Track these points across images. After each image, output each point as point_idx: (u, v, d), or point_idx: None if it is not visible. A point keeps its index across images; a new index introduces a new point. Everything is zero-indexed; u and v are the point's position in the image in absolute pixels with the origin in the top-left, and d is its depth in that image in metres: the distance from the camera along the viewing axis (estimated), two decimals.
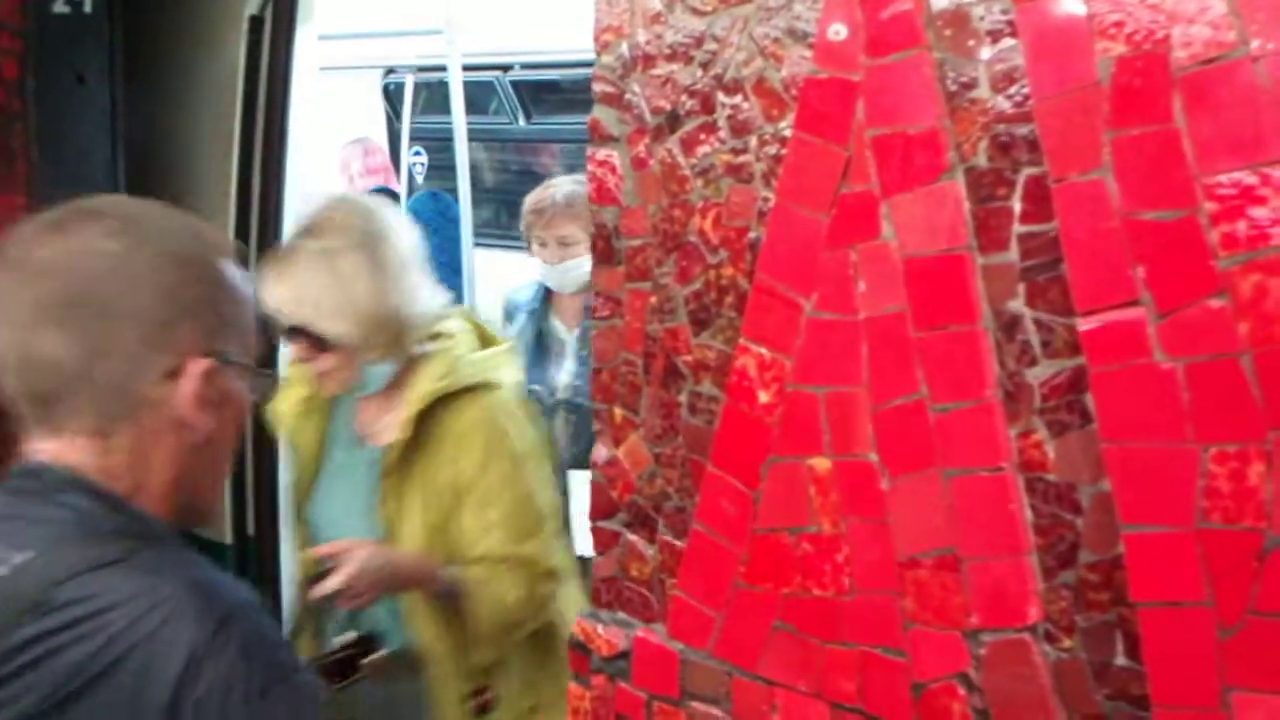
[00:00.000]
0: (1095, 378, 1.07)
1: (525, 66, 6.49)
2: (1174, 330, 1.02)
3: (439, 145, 6.36)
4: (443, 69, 5.27)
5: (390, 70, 7.06)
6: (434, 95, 6.73)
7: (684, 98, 1.32)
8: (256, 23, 3.40)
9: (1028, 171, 1.09)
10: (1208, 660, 1.04)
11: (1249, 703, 1.02)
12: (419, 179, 7.10)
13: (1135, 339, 1.04)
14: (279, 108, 3.46)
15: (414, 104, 6.84)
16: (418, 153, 7.09)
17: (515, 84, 6.67)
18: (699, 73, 1.31)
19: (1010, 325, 1.12)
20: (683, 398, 1.36)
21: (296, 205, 3.49)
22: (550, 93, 6.70)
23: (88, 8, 3.18)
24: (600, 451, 1.45)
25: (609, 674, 1.45)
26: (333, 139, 6.21)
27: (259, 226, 3.50)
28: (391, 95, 7.20)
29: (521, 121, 6.85)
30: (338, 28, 4.68)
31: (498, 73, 6.65)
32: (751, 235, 1.28)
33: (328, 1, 3.63)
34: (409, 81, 6.83)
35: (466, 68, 5.01)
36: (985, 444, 1.14)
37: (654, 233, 1.36)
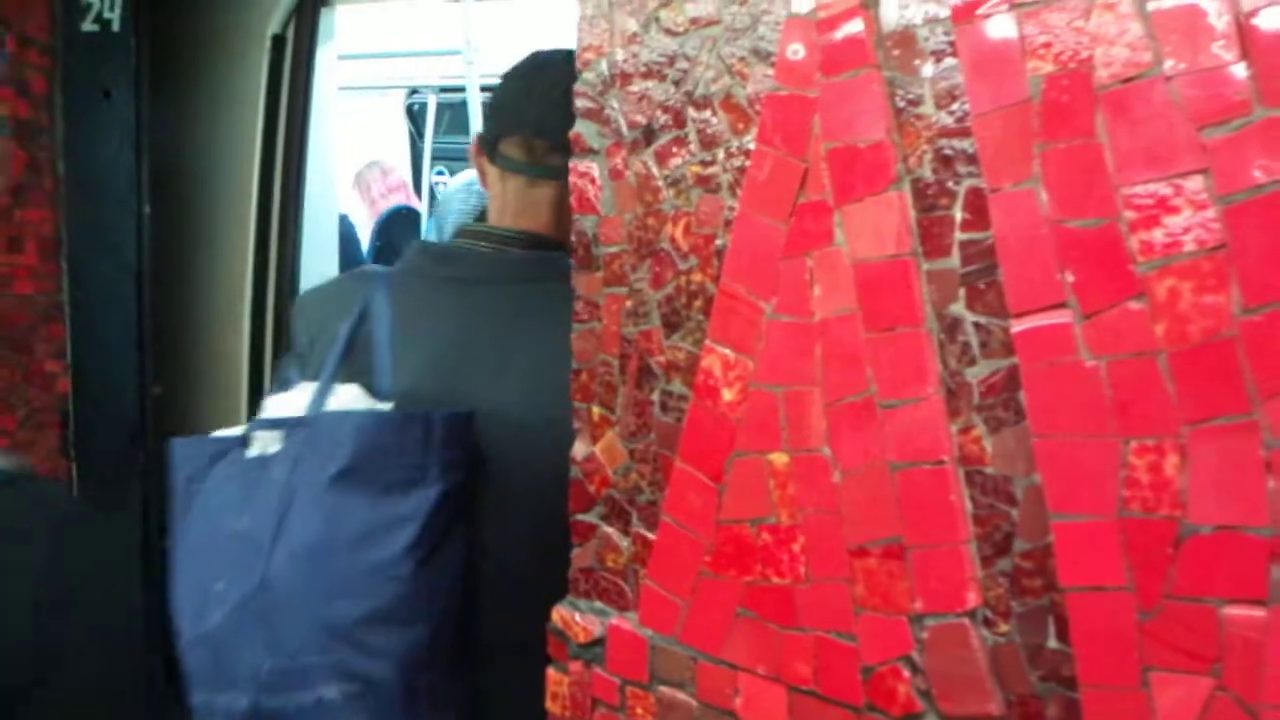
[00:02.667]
0: (1027, 376, 1.14)
1: None
2: (1097, 331, 1.09)
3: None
4: (464, 89, 5.38)
5: (414, 90, 7.19)
6: (457, 115, 6.85)
7: (658, 113, 1.40)
8: (279, 42, 3.50)
9: (968, 183, 1.17)
10: (1129, 642, 1.10)
11: (1167, 682, 1.09)
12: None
13: (1062, 339, 1.11)
14: (299, 125, 3.55)
15: (436, 123, 6.96)
16: (440, 172, 7.21)
17: None
18: (672, 89, 1.39)
19: (952, 327, 1.19)
20: (655, 396, 1.44)
21: (315, 220, 3.59)
22: None
23: (116, 26, 3.28)
24: (579, 448, 1.52)
25: (585, 660, 1.52)
26: (357, 157, 6.32)
27: (278, 242, 3.58)
28: (415, 115, 7.32)
29: None
30: (360, 48, 4.80)
31: None
32: (718, 242, 1.36)
33: (350, 22, 3.72)
34: (431, 102, 6.95)
35: (487, 88, 5.11)
36: (928, 439, 1.21)
37: (629, 240, 1.44)
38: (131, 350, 3.38)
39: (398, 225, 6.47)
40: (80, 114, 3.24)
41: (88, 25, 3.26)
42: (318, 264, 3.67)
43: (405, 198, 6.63)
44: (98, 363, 3.38)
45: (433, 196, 7.08)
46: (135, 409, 3.41)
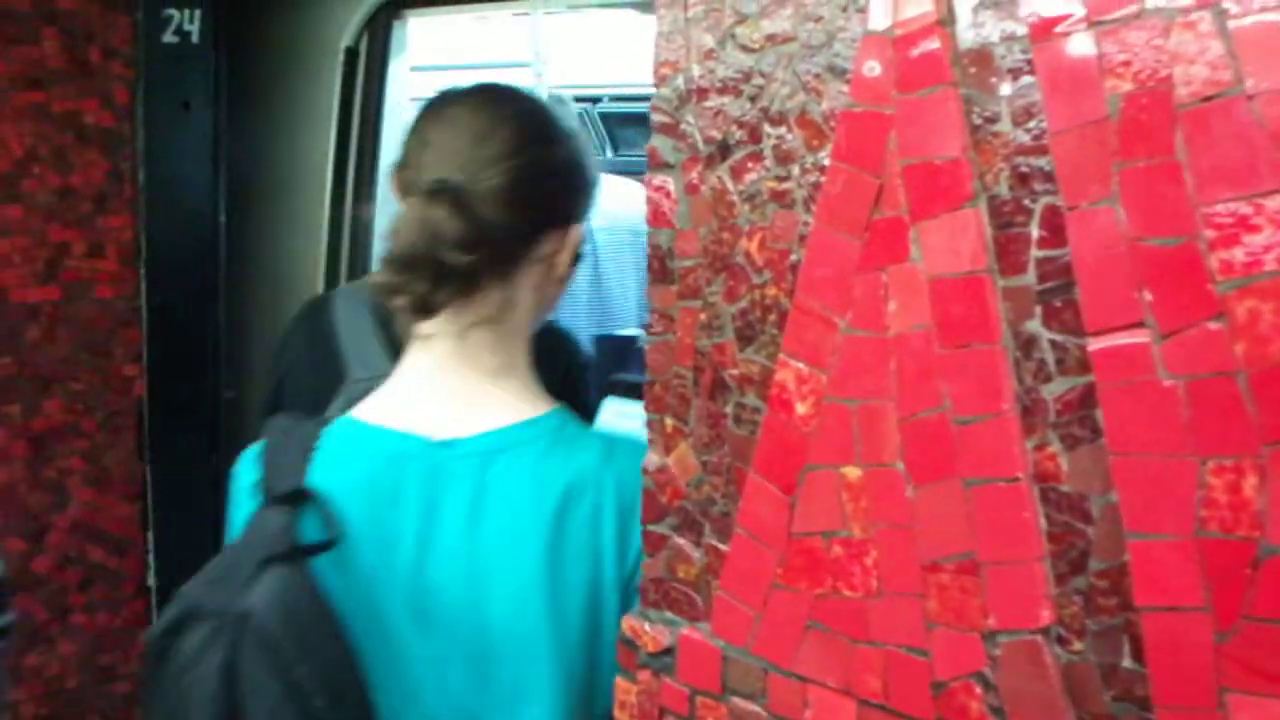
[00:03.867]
0: (1104, 394, 1.14)
1: (614, 99, 6.63)
2: (1176, 350, 1.09)
3: None
4: None
5: None
6: None
7: (734, 128, 1.42)
8: (352, 54, 3.55)
9: (1045, 200, 1.17)
10: (1205, 663, 1.10)
11: (1244, 704, 1.08)
12: None
13: (1140, 358, 1.11)
14: (372, 136, 3.59)
15: None
16: None
17: (604, 116, 6.82)
18: (748, 105, 1.40)
19: (1028, 344, 1.19)
20: (728, 409, 1.45)
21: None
22: (637, 125, 6.84)
23: (195, 38, 3.35)
24: (651, 459, 1.54)
25: (654, 669, 1.54)
26: None
27: (349, 251, 3.63)
28: None
29: (608, 153, 7.00)
30: (431, 60, 4.85)
31: (586, 104, 6.82)
32: (793, 257, 1.37)
33: (421, 34, 3.76)
34: None
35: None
36: (1003, 455, 1.21)
37: (704, 254, 1.46)
38: (206, 355, 3.45)
39: None
40: (160, 124, 3.31)
41: (168, 37, 3.32)
42: None
43: None
44: (173, 367, 3.44)
45: None
46: (209, 413, 3.47)
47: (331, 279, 3.60)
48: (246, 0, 3.51)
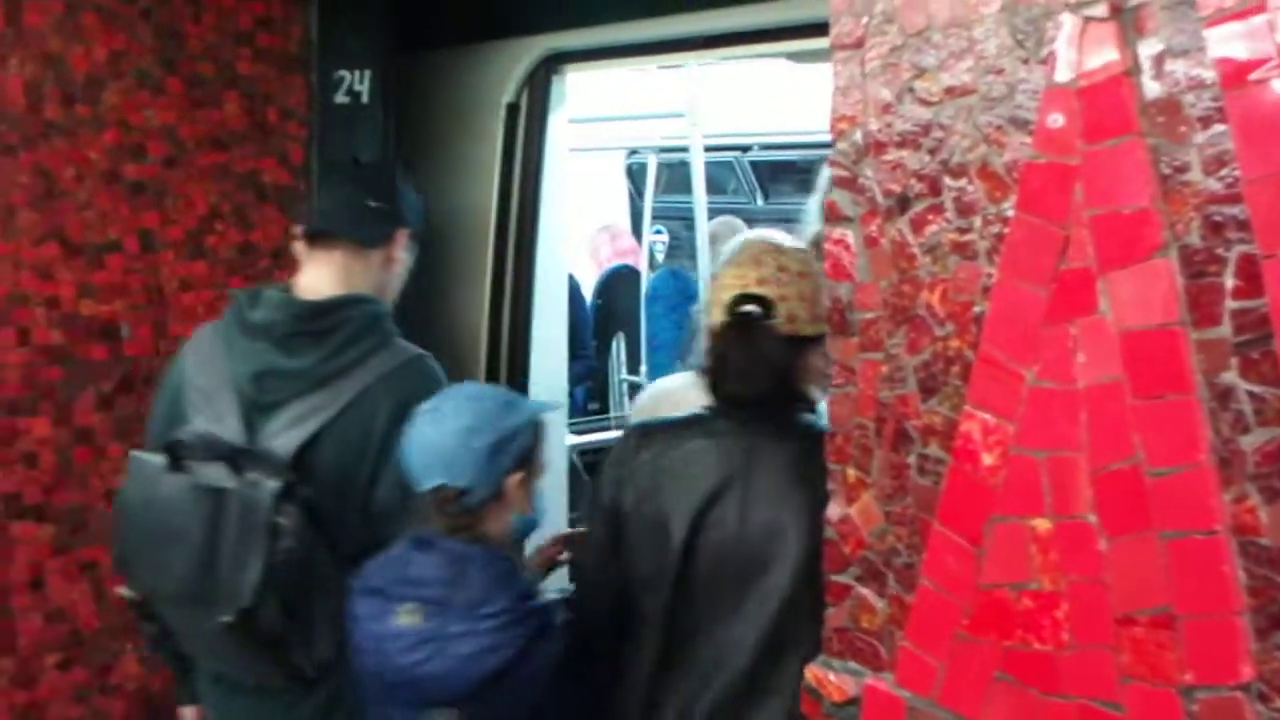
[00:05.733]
0: None
1: (764, 148, 6.66)
2: None
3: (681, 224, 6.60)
4: (683, 150, 5.48)
5: (633, 151, 7.32)
6: (674, 175, 6.96)
7: (913, 181, 1.43)
8: (513, 110, 3.63)
9: (1239, 249, 1.16)
10: None
11: None
12: (660, 257, 7.32)
13: None
14: (532, 187, 3.65)
15: (655, 183, 7.07)
16: (659, 231, 7.31)
17: (754, 164, 6.85)
18: (927, 158, 1.41)
19: (1224, 395, 1.18)
20: (911, 460, 1.45)
21: (545, 278, 3.69)
22: (787, 172, 6.85)
23: (365, 98, 3.46)
24: (834, 509, 1.55)
25: (839, 719, 1.54)
26: (580, 217, 6.48)
27: (511, 299, 3.69)
28: (634, 175, 7.46)
29: (759, 201, 7.02)
30: (585, 111, 4.96)
31: (736, 153, 6.85)
32: (976, 309, 1.37)
33: (578, 88, 3.83)
34: (651, 162, 7.06)
35: (707, 149, 5.19)
36: (1200, 508, 1.20)
37: (885, 306, 1.47)
38: None
39: (618, 283, 6.60)
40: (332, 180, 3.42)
41: (340, 98, 3.44)
42: (548, 321, 3.77)
43: (633, 260, 6.76)
44: None
45: (651, 255, 7.19)
46: None
47: (494, 325, 3.67)
48: (413, 61, 3.63)
